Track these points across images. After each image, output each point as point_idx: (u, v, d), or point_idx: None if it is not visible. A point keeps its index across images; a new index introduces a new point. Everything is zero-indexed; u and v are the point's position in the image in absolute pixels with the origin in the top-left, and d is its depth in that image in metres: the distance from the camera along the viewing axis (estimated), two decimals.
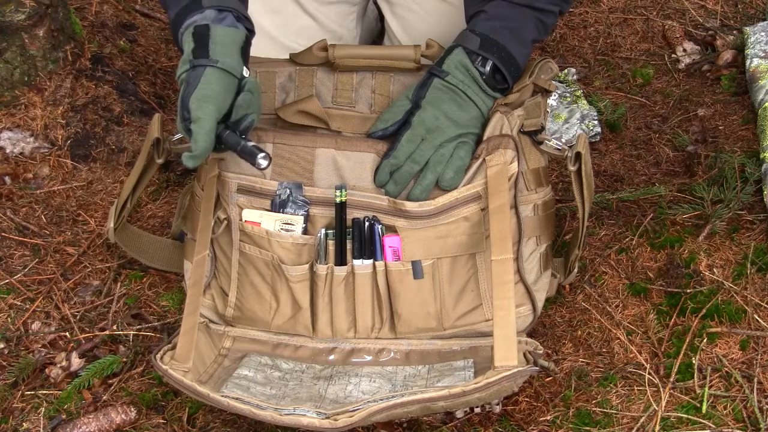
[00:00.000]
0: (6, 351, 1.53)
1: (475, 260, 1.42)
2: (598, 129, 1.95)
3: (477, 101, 1.41)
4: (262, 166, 1.29)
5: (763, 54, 1.97)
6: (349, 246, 1.42)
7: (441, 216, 1.39)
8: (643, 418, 1.35)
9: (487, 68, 1.41)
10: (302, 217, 1.42)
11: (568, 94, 2.03)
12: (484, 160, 1.39)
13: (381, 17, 1.90)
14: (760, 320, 1.47)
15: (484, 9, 1.44)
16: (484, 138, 1.40)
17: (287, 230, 1.43)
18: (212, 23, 1.33)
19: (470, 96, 1.41)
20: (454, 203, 1.39)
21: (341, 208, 1.41)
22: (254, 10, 1.63)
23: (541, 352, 1.38)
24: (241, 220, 1.44)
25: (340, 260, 1.42)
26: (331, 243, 1.43)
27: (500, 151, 1.39)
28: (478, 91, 1.41)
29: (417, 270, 1.41)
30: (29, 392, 1.46)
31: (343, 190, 1.40)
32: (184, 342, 1.37)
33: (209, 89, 1.28)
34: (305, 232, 1.43)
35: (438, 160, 1.38)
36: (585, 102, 2.01)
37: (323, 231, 1.43)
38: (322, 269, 1.42)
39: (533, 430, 1.37)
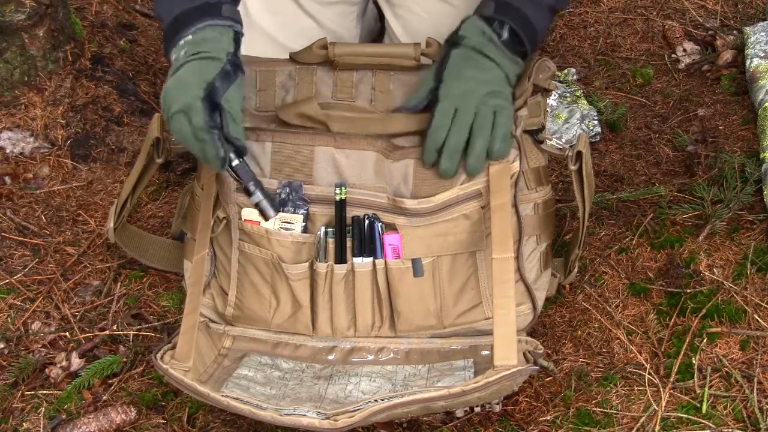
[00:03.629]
0: (6, 351, 1.53)
1: (475, 258, 1.42)
2: (598, 129, 1.95)
3: (498, 61, 1.37)
4: (266, 215, 1.34)
5: (763, 54, 1.97)
6: (348, 244, 1.42)
7: (441, 213, 1.39)
8: (643, 418, 1.35)
9: (504, 32, 1.37)
10: (302, 216, 1.42)
11: (568, 94, 2.03)
12: None
13: (381, 17, 1.90)
14: (760, 320, 1.47)
15: None
16: None
17: (287, 229, 1.43)
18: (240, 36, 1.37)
19: (490, 56, 1.36)
20: (454, 200, 1.39)
21: (341, 206, 1.41)
22: (254, 11, 1.63)
23: (541, 351, 1.38)
24: (240, 219, 1.44)
25: (340, 258, 1.42)
26: (330, 241, 1.43)
27: None
28: (496, 52, 1.37)
29: (417, 268, 1.41)
30: (29, 392, 1.46)
31: (343, 188, 1.40)
32: (184, 341, 1.37)
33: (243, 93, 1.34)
34: (305, 230, 1.43)
35: (481, 124, 1.34)
36: (585, 102, 2.01)
37: (323, 229, 1.43)
38: (322, 267, 1.42)
39: (533, 430, 1.37)
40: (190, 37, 1.32)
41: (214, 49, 1.31)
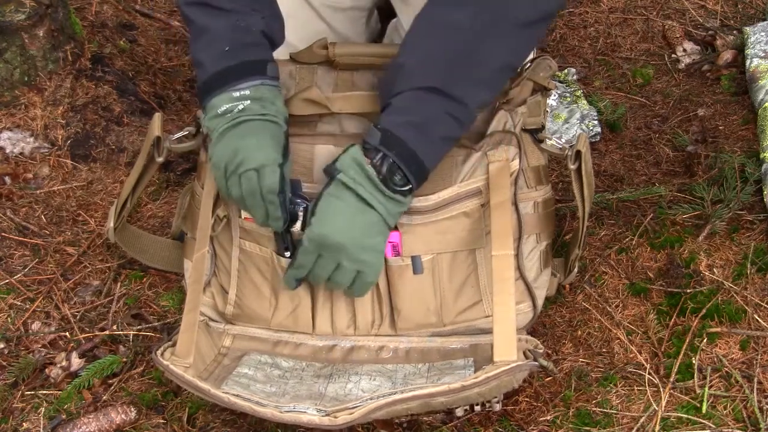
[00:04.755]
0: (6, 351, 1.52)
1: (475, 256, 1.42)
2: (598, 129, 1.95)
3: (373, 203, 1.30)
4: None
5: (763, 54, 1.97)
6: None
7: (441, 211, 1.39)
8: (643, 418, 1.35)
9: (385, 167, 1.28)
10: (302, 214, 1.42)
11: (568, 94, 2.03)
12: (485, 154, 1.39)
13: (381, 18, 1.90)
14: (760, 320, 1.47)
15: (390, 102, 1.32)
16: (488, 132, 1.41)
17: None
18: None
19: (364, 197, 1.29)
20: (454, 198, 1.39)
21: None
22: None
23: (541, 350, 1.37)
24: (240, 217, 1.44)
25: None
26: None
27: (503, 147, 1.39)
28: (373, 191, 1.29)
29: (416, 265, 1.41)
30: (29, 392, 1.46)
31: None
32: (184, 339, 1.37)
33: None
34: (304, 228, 1.43)
35: (340, 280, 1.34)
36: (585, 102, 2.01)
37: None
38: None
39: (533, 430, 1.37)
40: (248, 92, 1.33)
41: (277, 112, 1.35)
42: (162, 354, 1.34)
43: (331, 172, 1.33)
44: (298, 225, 1.42)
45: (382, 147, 1.29)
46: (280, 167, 1.32)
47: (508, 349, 1.27)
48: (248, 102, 1.33)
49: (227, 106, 1.33)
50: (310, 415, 1.23)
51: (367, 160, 1.30)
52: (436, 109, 1.29)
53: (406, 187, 1.31)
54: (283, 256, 1.41)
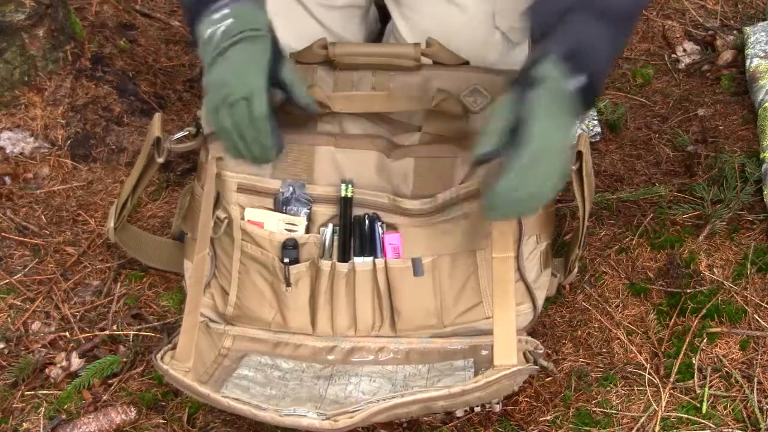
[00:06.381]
0: (6, 351, 1.52)
1: (475, 258, 1.42)
2: (598, 129, 1.95)
3: (572, 115, 1.22)
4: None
5: (763, 54, 1.97)
6: None
7: (441, 213, 1.39)
8: (643, 418, 1.35)
9: (577, 84, 1.20)
10: (305, 217, 1.43)
11: None
12: None
13: (382, 19, 1.90)
14: (760, 320, 1.47)
15: (564, 19, 1.22)
16: None
17: (290, 230, 1.43)
18: None
19: (566, 110, 1.21)
20: (455, 200, 1.39)
21: (347, 203, 1.41)
22: None
23: (541, 351, 1.38)
24: (243, 219, 1.44)
25: (343, 257, 1.43)
26: (336, 238, 1.43)
27: None
28: (569, 108, 1.22)
29: (417, 267, 1.41)
30: (29, 392, 1.46)
31: (350, 186, 1.41)
32: (184, 341, 1.37)
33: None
34: (307, 231, 1.44)
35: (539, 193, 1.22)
36: None
37: (331, 226, 1.43)
38: (325, 265, 1.42)
39: (533, 430, 1.37)
40: (227, 11, 1.27)
41: (258, 23, 1.28)
42: (162, 358, 1.34)
43: (535, 81, 1.20)
44: (301, 229, 1.43)
45: (572, 65, 1.19)
46: (266, 92, 1.25)
47: (509, 352, 1.27)
48: (229, 21, 1.26)
49: (210, 30, 1.26)
50: (310, 418, 1.23)
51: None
52: (606, 29, 1.23)
53: (587, 111, 1.26)
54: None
